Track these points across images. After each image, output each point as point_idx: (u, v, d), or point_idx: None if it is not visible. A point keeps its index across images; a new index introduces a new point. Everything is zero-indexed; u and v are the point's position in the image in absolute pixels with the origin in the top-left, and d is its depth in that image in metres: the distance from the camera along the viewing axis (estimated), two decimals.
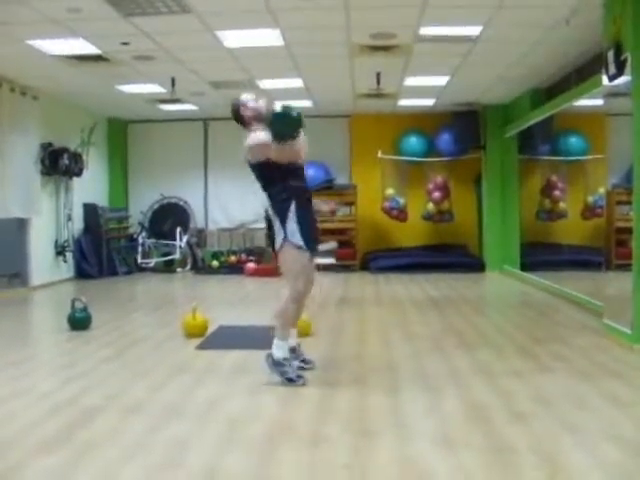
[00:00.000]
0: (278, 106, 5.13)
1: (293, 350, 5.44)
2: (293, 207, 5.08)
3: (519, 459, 3.57)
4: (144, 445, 3.85)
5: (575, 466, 3.49)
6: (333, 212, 5.31)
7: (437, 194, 13.96)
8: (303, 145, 5.23)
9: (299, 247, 5.07)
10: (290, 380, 5.08)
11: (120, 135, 15.11)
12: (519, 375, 5.33)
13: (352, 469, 3.49)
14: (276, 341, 5.17)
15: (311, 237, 5.18)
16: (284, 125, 5.03)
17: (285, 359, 5.14)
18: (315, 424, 4.19)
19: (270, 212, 5.20)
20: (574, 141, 12.81)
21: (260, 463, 3.60)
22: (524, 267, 12.48)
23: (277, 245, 5.16)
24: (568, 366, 5.62)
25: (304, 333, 6.76)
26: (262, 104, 5.32)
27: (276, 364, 5.13)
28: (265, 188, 5.25)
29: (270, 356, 5.17)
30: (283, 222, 5.08)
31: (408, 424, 4.20)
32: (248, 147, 5.15)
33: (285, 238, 5.07)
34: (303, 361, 5.56)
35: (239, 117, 5.36)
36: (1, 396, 4.88)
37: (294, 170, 5.21)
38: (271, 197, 5.19)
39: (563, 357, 5.95)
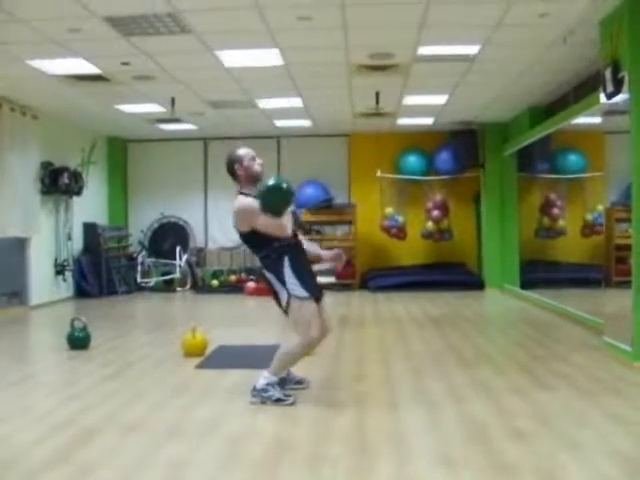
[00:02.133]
0: (271, 179, 5.06)
1: (283, 379, 5.38)
2: (286, 263, 5.04)
3: (519, 477, 3.55)
4: (143, 465, 3.84)
5: None
6: (338, 257, 5.28)
7: (436, 212, 13.98)
8: (288, 222, 5.18)
9: (305, 298, 5.04)
10: (279, 400, 5.05)
11: (120, 154, 15.14)
12: (519, 393, 5.32)
13: None
14: (266, 373, 5.15)
15: (312, 284, 5.16)
16: (275, 200, 5.02)
17: (268, 384, 5.10)
18: (315, 443, 4.18)
19: (267, 275, 5.15)
20: (573, 159, 12.81)
21: None
22: (524, 285, 12.47)
23: (283, 304, 5.10)
24: (568, 384, 5.61)
25: (305, 353, 6.74)
26: (257, 167, 5.25)
27: (260, 391, 5.10)
28: (254, 252, 5.27)
29: (254, 388, 5.14)
30: (281, 280, 5.05)
31: (408, 443, 4.18)
32: (235, 214, 5.13)
33: (289, 295, 5.03)
34: (297, 382, 5.54)
35: (232, 172, 5.30)
36: (1, 415, 4.88)
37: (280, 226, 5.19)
38: (262, 260, 5.17)
39: (563, 375, 5.94)
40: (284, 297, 5.06)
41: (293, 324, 5.18)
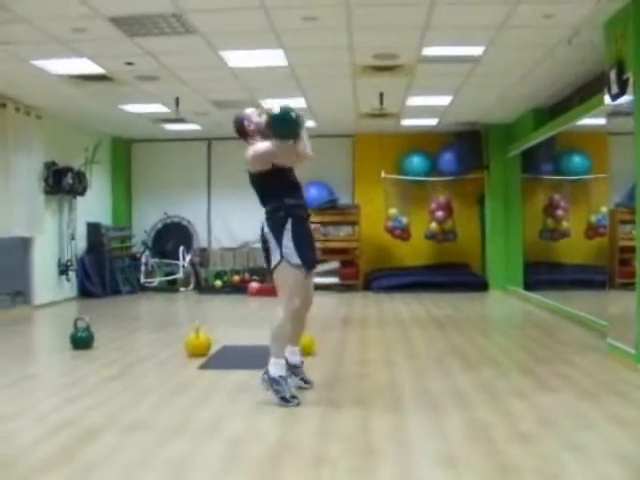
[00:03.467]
0: (276, 108, 5.11)
1: (296, 367, 5.42)
2: (289, 225, 5.06)
3: (522, 479, 3.54)
4: (146, 465, 3.84)
5: None
6: (317, 230, 5.36)
7: (440, 213, 13.97)
8: (306, 146, 5.25)
9: (296, 266, 5.05)
10: (284, 400, 5.04)
11: (124, 154, 15.16)
12: (522, 395, 5.31)
13: None
14: (272, 359, 5.14)
15: (309, 255, 5.16)
16: (284, 125, 5.06)
17: (281, 377, 5.10)
18: (317, 444, 4.17)
19: (266, 229, 5.17)
20: (577, 160, 12.78)
21: None
22: (527, 286, 12.47)
23: (273, 263, 5.12)
24: (572, 386, 5.60)
25: (308, 352, 6.76)
26: (264, 119, 5.32)
27: (272, 381, 5.09)
28: (262, 202, 5.26)
29: (266, 373, 5.14)
30: (279, 241, 5.05)
31: (411, 444, 4.17)
32: (249, 158, 5.15)
33: (282, 257, 5.05)
34: (302, 379, 5.55)
35: (242, 130, 5.35)
36: (3, 415, 4.88)
37: (292, 187, 5.25)
38: (268, 213, 5.18)
39: (567, 377, 5.93)
40: (276, 257, 5.07)
41: (278, 289, 5.23)
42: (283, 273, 5.10)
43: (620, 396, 5.28)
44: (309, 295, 5.34)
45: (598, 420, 4.61)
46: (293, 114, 5.09)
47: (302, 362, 5.58)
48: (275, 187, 5.14)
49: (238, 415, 4.89)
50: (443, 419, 4.68)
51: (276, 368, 5.12)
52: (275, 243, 5.07)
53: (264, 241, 5.20)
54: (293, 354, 5.47)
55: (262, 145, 5.13)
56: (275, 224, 5.10)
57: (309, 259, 5.15)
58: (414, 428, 4.51)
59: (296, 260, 5.03)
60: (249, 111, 5.42)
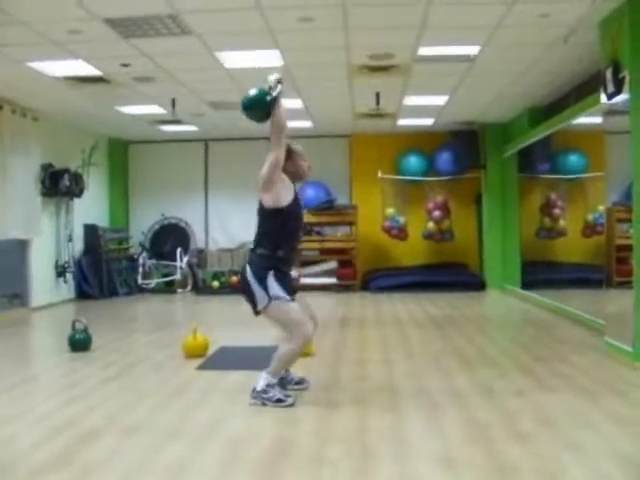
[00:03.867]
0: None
1: (283, 379, 5.38)
2: (271, 275, 5.04)
3: (521, 479, 3.55)
4: (145, 466, 3.84)
5: None
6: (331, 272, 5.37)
7: (437, 213, 13.98)
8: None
9: (285, 299, 5.05)
10: (279, 401, 5.04)
11: (121, 156, 15.16)
12: (521, 394, 5.32)
13: None
14: (265, 375, 5.14)
15: (288, 286, 5.14)
16: (257, 109, 5.10)
17: (268, 385, 5.09)
18: (316, 445, 4.18)
19: (248, 274, 5.11)
20: (573, 159, 12.80)
21: None
22: (525, 285, 12.48)
23: (260, 306, 5.08)
24: (570, 384, 5.61)
25: (306, 353, 6.76)
26: (305, 168, 5.38)
27: (260, 393, 5.09)
28: (257, 240, 5.21)
29: (254, 390, 5.14)
30: (263, 284, 5.03)
31: (409, 444, 4.18)
32: (263, 179, 5.09)
33: (269, 298, 5.03)
34: (297, 383, 5.54)
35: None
36: (2, 417, 4.87)
37: (291, 237, 5.24)
38: (254, 256, 5.16)
39: (565, 375, 5.93)
40: (263, 300, 5.04)
41: (281, 327, 5.22)
42: (277, 311, 5.09)
43: (618, 395, 5.29)
44: (311, 313, 5.35)
45: (597, 419, 4.62)
46: (254, 96, 5.09)
47: (286, 370, 5.50)
48: (276, 234, 5.12)
49: (236, 416, 4.89)
50: (442, 419, 4.69)
51: (264, 382, 5.12)
52: (258, 286, 5.05)
53: (245, 284, 5.15)
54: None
55: (268, 170, 5.07)
56: (259, 270, 5.07)
57: (289, 290, 5.13)
58: (413, 428, 4.51)
59: (282, 294, 5.03)
60: (296, 148, 5.35)
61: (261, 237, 5.20)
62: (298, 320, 5.07)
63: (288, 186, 5.14)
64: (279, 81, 5.04)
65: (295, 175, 5.27)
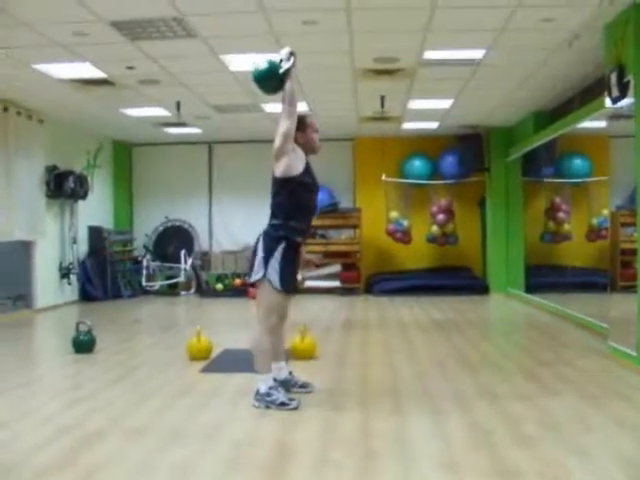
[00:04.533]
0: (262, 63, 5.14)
1: (286, 382, 5.40)
2: (281, 248, 5.06)
3: None
4: (148, 468, 3.84)
5: None
6: (318, 266, 5.32)
7: (441, 217, 13.97)
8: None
9: (276, 289, 5.07)
10: (283, 404, 5.04)
11: (125, 158, 15.19)
12: (524, 398, 5.31)
13: None
14: (259, 377, 5.16)
15: (289, 282, 5.16)
16: (268, 81, 5.13)
17: (271, 388, 5.10)
18: (320, 447, 4.18)
19: (260, 243, 5.16)
20: (578, 163, 12.80)
21: None
22: (529, 289, 12.48)
23: (254, 277, 5.13)
24: (574, 388, 5.60)
25: (309, 356, 6.78)
26: (317, 141, 5.36)
27: (264, 396, 5.09)
28: (271, 212, 5.22)
29: (257, 393, 5.14)
30: (267, 259, 5.06)
31: (413, 447, 4.17)
32: (276, 146, 5.09)
33: (264, 276, 5.06)
34: (301, 386, 5.54)
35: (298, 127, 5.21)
36: (6, 418, 4.88)
37: (304, 210, 5.21)
38: (269, 226, 5.18)
39: (568, 379, 5.92)
40: (258, 274, 5.08)
41: (257, 305, 5.27)
42: (264, 290, 5.13)
43: (622, 399, 5.28)
44: (285, 313, 5.35)
45: (601, 423, 4.61)
46: (264, 68, 5.11)
47: (290, 373, 5.55)
48: (288, 204, 5.12)
49: (240, 418, 4.89)
50: (445, 422, 4.68)
51: (264, 383, 5.13)
52: (261, 260, 5.08)
53: (254, 251, 5.20)
54: (279, 370, 5.45)
55: (279, 143, 5.08)
56: (270, 241, 5.09)
57: (288, 285, 5.15)
58: (416, 431, 4.51)
59: (276, 284, 5.05)
60: (310, 120, 5.36)
61: (274, 208, 5.20)
62: (272, 309, 5.12)
63: (300, 157, 5.14)
64: (292, 53, 5.07)
65: (306, 147, 5.24)
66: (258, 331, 5.19)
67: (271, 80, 5.12)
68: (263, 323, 5.15)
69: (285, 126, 5.02)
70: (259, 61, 5.16)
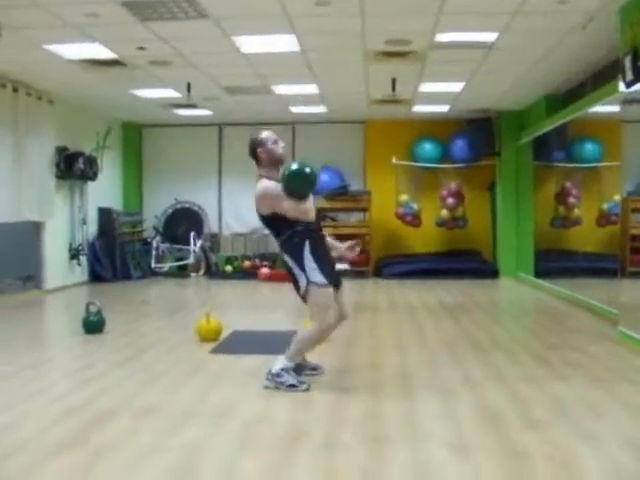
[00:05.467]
0: (294, 163, 5.10)
1: (299, 365, 5.40)
2: (307, 248, 5.03)
3: (534, 466, 3.55)
4: (159, 448, 3.86)
5: (590, 473, 3.47)
6: (352, 248, 5.26)
7: (451, 200, 13.94)
8: (312, 206, 5.22)
9: (323, 285, 5.03)
10: (292, 386, 5.04)
11: (135, 139, 15.18)
12: (534, 382, 5.31)
13: (367, 474, 3.49)
14: (282, 358, 5.14)
15: (332, 273, 5.16)
16: (299, 184, 5.04)
17: (283, 369, 5.09)
18: (330, 429, 4.19)
19: (285, 258, 5.15)
20: (589, 148, 12.74)
21: (275, 468, 3.59)
22: (538, 274, 12.45)
23: (302, 290, 5.07)
24: (583, 373, 5.59)
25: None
26: (280, 150, 5.25)
27: (274, 376, 5.09)
28: (275, 235, 5.23)
29: (269, 372, 5.14)
30: (301, 266, 5.03)
31: (422, 429, 4.18)
32: (257, 197, 5.11)
33: (308, 282, 5.01)
34: (312, 369, 5.54)
35: (255, 155, 5.25)
36: (16, 398, 4.92)
37: (304, 213, 5.16)
38: (283, 243, 5.15)
39: (578, 364, 5.92)
40: (303, 283, 5.04)
41: (310, 310, 5.17)
42: (313, 294, 5.04)
43: (632, 384, 5.28)
44: (343, 310, 5.33)
45: (609, 407, 4.61)
46: (308, 171, 5.04)
47: (303, 359, 5.50)
48: (286, 223, 5.08)
49: (250, 400, 4.90)
50: (455, 405, 4.69)
51: (280, 364, 5.11)
52: (299, 270, 5.05)
53: (289, 270, 5.16)
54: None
55: (268, 188, 5.08)
56: (294, 250, 5.06)
57: (332, 276, 5.14)
58: (426, 414, 4.51)
59: (321, 280, 5.01)
60: (265, 135, 5.25)
61: (277, 230, 5.18)
62: (326, 307, 5.05)
63: (277, 189, 5.07)
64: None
65: (270, 160, 5.21)
66: (313, 326, 5.12)
67: (299, 182, 5.06)
68: (320, 322, 5.07)
69: (284, 208, 5.02)
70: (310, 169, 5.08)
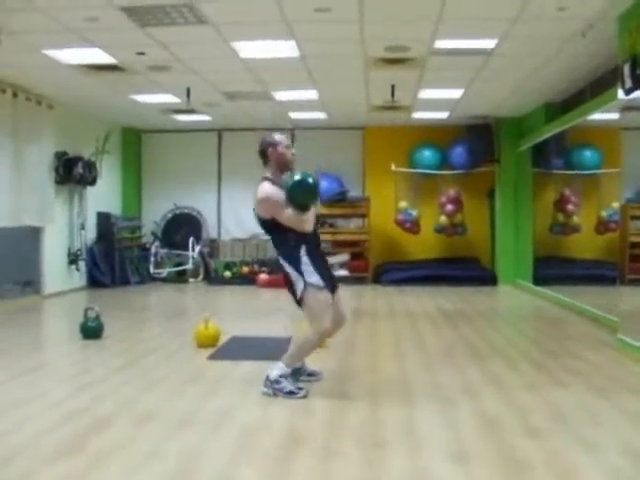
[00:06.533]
0: (297, 174, 5.09)
1: (297, 370, 5.37)
2: (303, 251, 5.03)
3: (533, 474, 3.53)
4: (157, 454, 3.85)
5: None
6: (343, 265, 5.27)
7: (450, 207, 13.94)
8: (312, 216, 5.20)
9: (321, 288, 5.02)
10: (291, 393, 5.03)
11: (134, 145, 15.18)
12: (533, 389, 5.30)
13: None
14: (280, 364, 5.12)
15: (328, 276, 5.16)
16: (302, 196, 5.04)
17: (281, 376, 5.07)
18: (327, 436, 4.18)
19: (282, 262, 5.14)
20: (588, 155, 12.77)
21: (273, 474, 3.58)
22: (537, 281, 12.44)
23: (299, 294, 5.06)
24: (582, 381, 5.58)
25: (319, 345, 6.77)
26: (290, 156, 5.25)
27: (273, 383, 5.07)
28: (272, 238, 5.24)
29: (267, 378, 5.13)
30: (298, 269, 5.02)
31: (421, 437, 4.17)
32: (258, 200, 5.10)
33: (306, 284, 5.01)
34: (310, 374, 5.53)
35: (264, 155, 5.23)
36: (14, 403, 4.90)
37: (303, 222, 5.16)
38: (279, 246, 5.16)
39: (577, 372, 5.91)
40: (300, 287, 5.03)
41: (307, 313, 5.15)
42: (310, 297, 5.03)
43: (631, 391, 5.27)
44: (341, 314, 5.34)
45: (609, 415, 4.61)
46: (311, 182, 5.07)
47: (301, 364, 5.49)
48: (285, 234, 5.09)
49: (248, 406, 4.89)
50: (453, 412, 4.68)
51: (278, 371, 5.10)
52: (296, 273, 5.04)
53: (285, 274, 5.16)
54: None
55: (269, 193, 5.06)
56: (291, 254, 5.06)
57: (329, 279, 5.14)
58: (424, 421, 4.50)
59: (318, 282, 5.00)
60: (278, 138, 5.25)
61: (274, 235, 5.19)
62: (323, 311, 5.04)
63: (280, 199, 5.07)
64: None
65: (279, 163, 5.21)
66: (310, 330, 5.11)
67: (303, 194, 5.07)
68: (316, 326, 5.06)
69: (283, 218, 5.03)
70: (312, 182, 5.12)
